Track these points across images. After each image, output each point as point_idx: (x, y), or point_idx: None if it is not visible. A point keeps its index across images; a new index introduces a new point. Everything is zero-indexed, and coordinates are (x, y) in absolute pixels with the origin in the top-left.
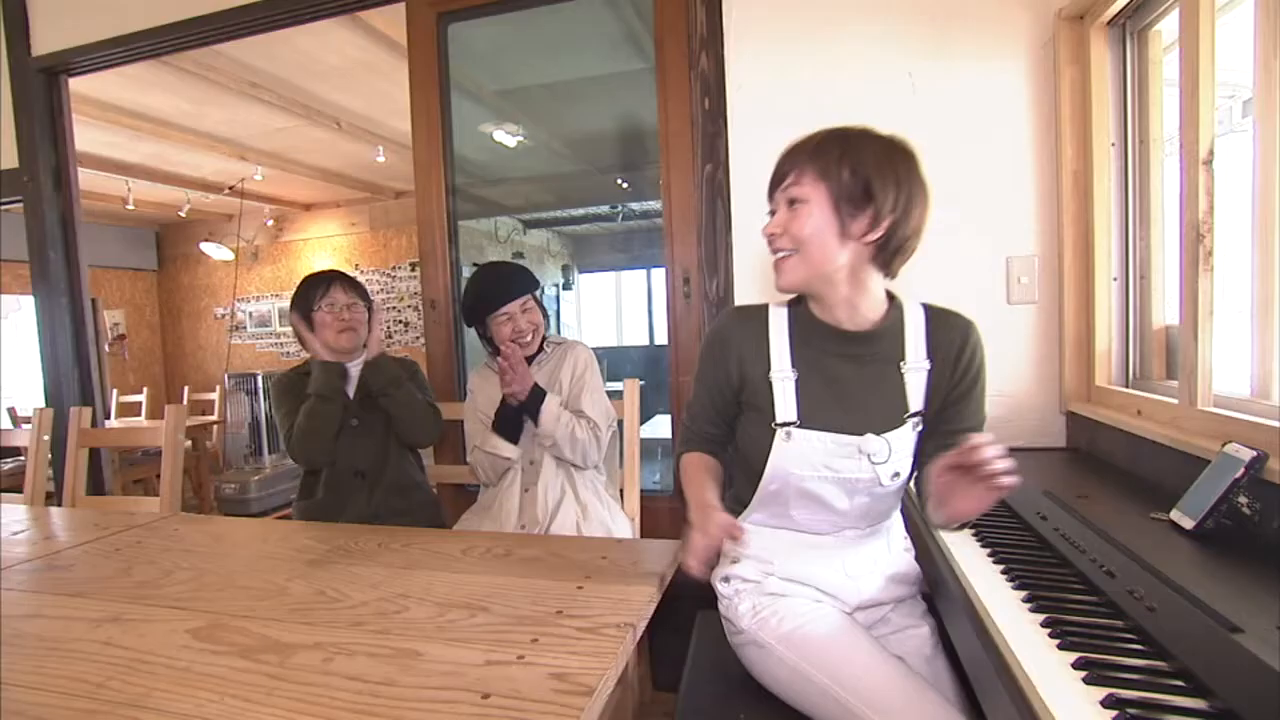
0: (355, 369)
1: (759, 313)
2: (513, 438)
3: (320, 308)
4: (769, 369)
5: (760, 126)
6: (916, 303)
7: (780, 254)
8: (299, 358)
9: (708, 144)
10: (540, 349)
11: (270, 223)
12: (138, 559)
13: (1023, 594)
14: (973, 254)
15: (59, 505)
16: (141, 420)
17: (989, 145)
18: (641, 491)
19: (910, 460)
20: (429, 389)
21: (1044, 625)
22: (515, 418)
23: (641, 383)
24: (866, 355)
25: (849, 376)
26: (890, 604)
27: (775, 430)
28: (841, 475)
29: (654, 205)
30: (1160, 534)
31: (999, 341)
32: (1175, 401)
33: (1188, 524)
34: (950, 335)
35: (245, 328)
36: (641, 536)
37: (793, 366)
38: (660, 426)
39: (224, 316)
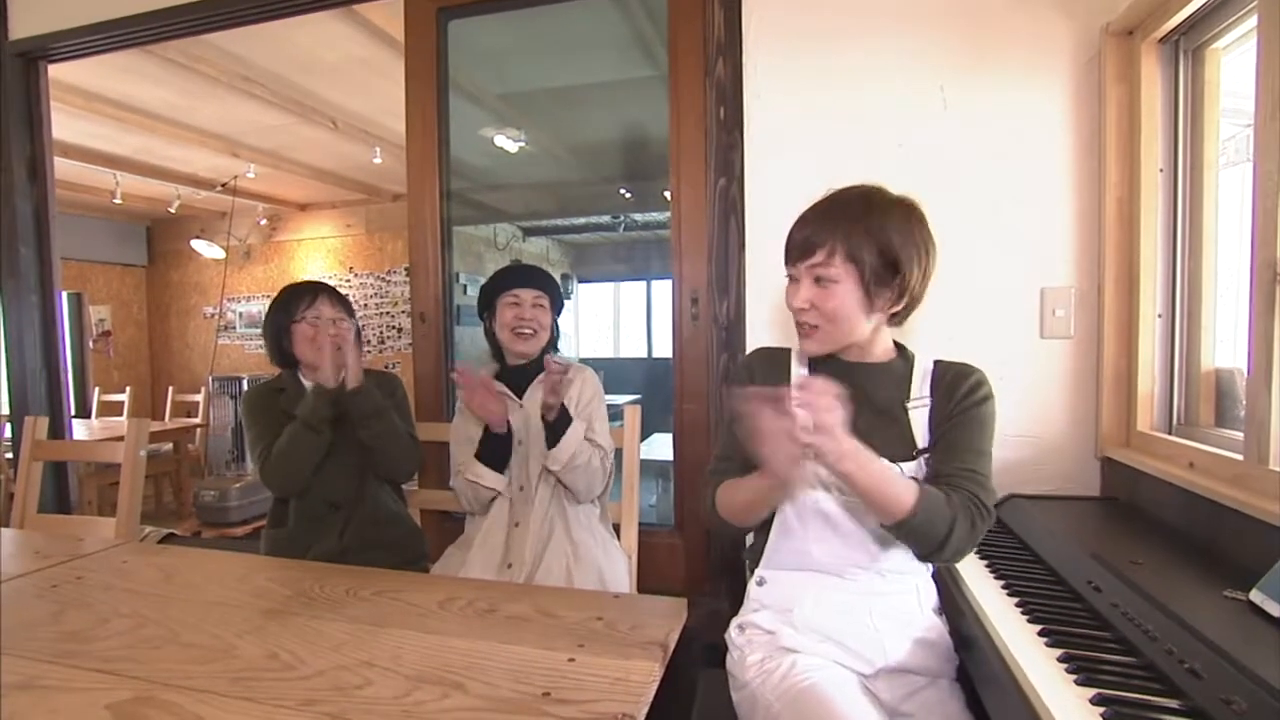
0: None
1: (782, 354)
2: (498, 465)
3: (303, 319)
4: None
5: (779, 140)
6: (925, 357)
7: (807, 325)
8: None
9: (722, 156)
10: (540, 369)
11: (263, 222)
12: (73, 600)
13: (1090, 693)
14: (1003, 284)
15: (11, 524)
16: (121, 421)
17: (1025, 166)
18: (639, 524)
19: None
20: (409, 413)
21: None
22: (502, 445)
23: (639, 397)
24: (872, 389)
25: (861, 409)
26: (922, 676)
27: None
28: (849, 497)
29: (657, 216)
30: (1242, 620)
31: (1029, 378)
32: (1239, 457)
33: (1275, 610)
34: (954, 376)
35: (234, 328)
36: (639, 574)
37: None
38: (659, 446)
39: (213, 316)
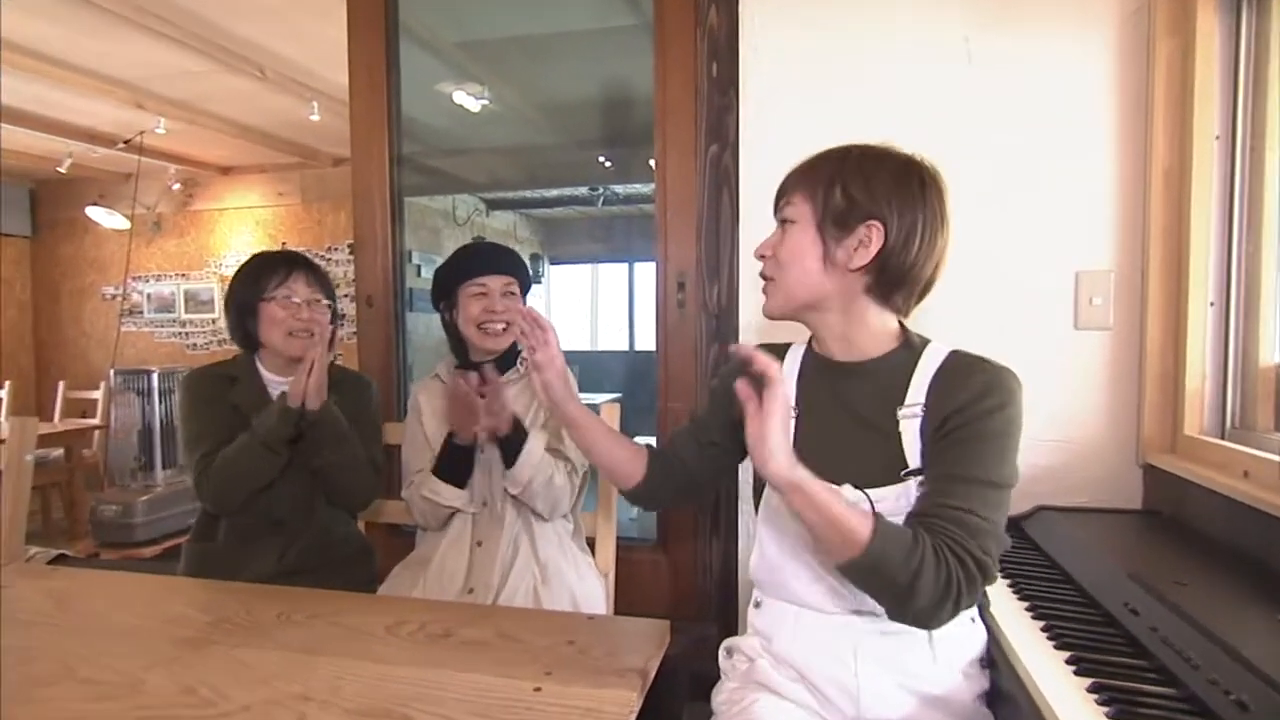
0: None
1: (777, 350)
2: (459, 481)
3: (274, 298)
4: None
5: (780, 100)
6: (945, 346)
7: (765, 278)
8: (208, 351)
9: (714, 119)
10: (514, 363)
11: (177, 187)
12: None
13: None
14: (1032, 266)
15: None
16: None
17: (1059, 132)
18: (618, 539)
19: None
20: (378, 430)
21: None
22: (465, 457)
23: (619, 396)
24: (858, 393)
25: (839, 417)
26: None
27: None
28: None
29: (641, 188)
30: None
31: (1061, 375)
32: None
33: None
34: (957, 372)
35: (142, 312)
36: (617, 597)
37: (795, 405)
38: None
39: (115, 298)
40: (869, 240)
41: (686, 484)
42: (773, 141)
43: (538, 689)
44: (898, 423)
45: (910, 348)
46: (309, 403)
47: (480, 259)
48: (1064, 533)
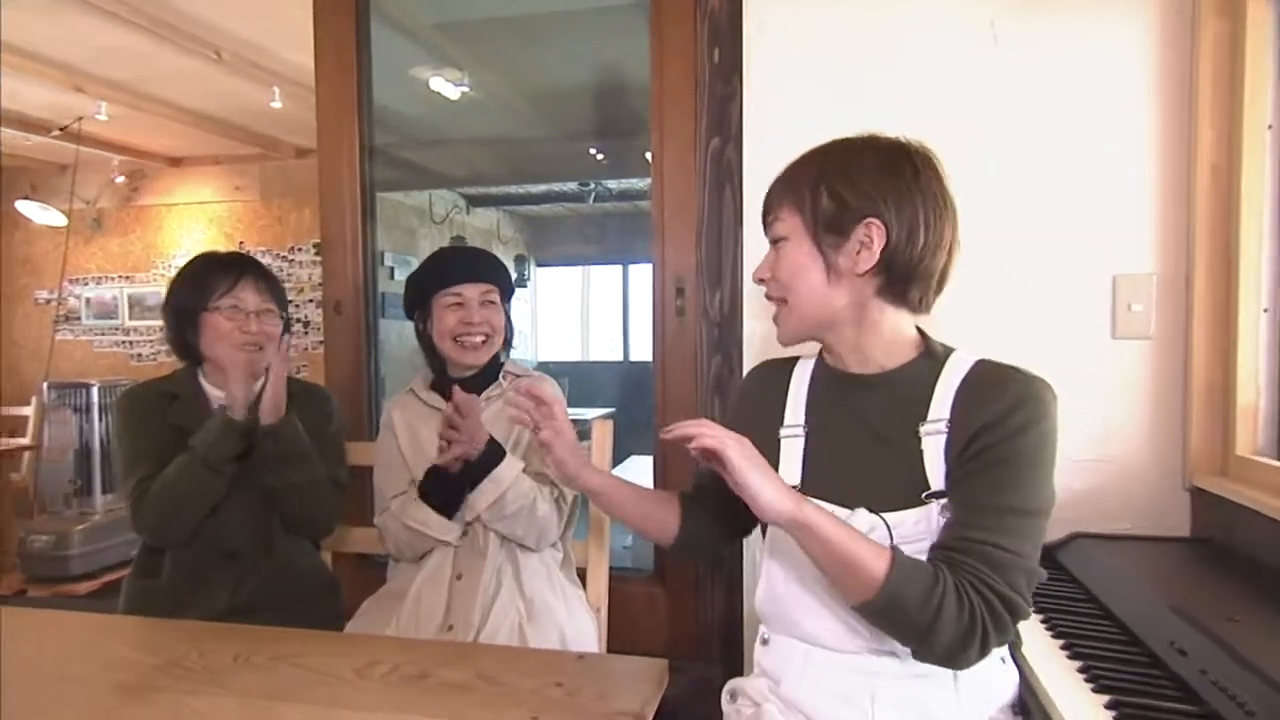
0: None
1: (786, 366)
2: (448, 510)
3: (218, 307)
4: (781, 424)
5: (788, 88)
6: (971, 355)
7: (774, 301)
8: (156, 363)
9: (716, 109)
10: (496, 378)
11: (120, 179)
12: None
13: None
14: (1064, 269)
15: None
16: None
17: (1094, 122)
18: (611, 570)
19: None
20: (341, 448)
21: None
22: (456, 483)
23: (613, 411)
24: (875, 407)
25: (855, 433)
26: None
27: None
28: None
29: (637, 184)
30: None
31: (1097, 388)
32: None
33: None
34: (985, 385)
35: (80, 319)
36: (610, 634)
37: (805, 422)
38: (636, 472)
39: (49, 302)
40: (870, 241)
41: (728, 522)
42: (780, 134)
43: None
44: (919, 440)
45: (932, 357)
46: (264, 416)
47: (455, 266)
48: (1103, 563)
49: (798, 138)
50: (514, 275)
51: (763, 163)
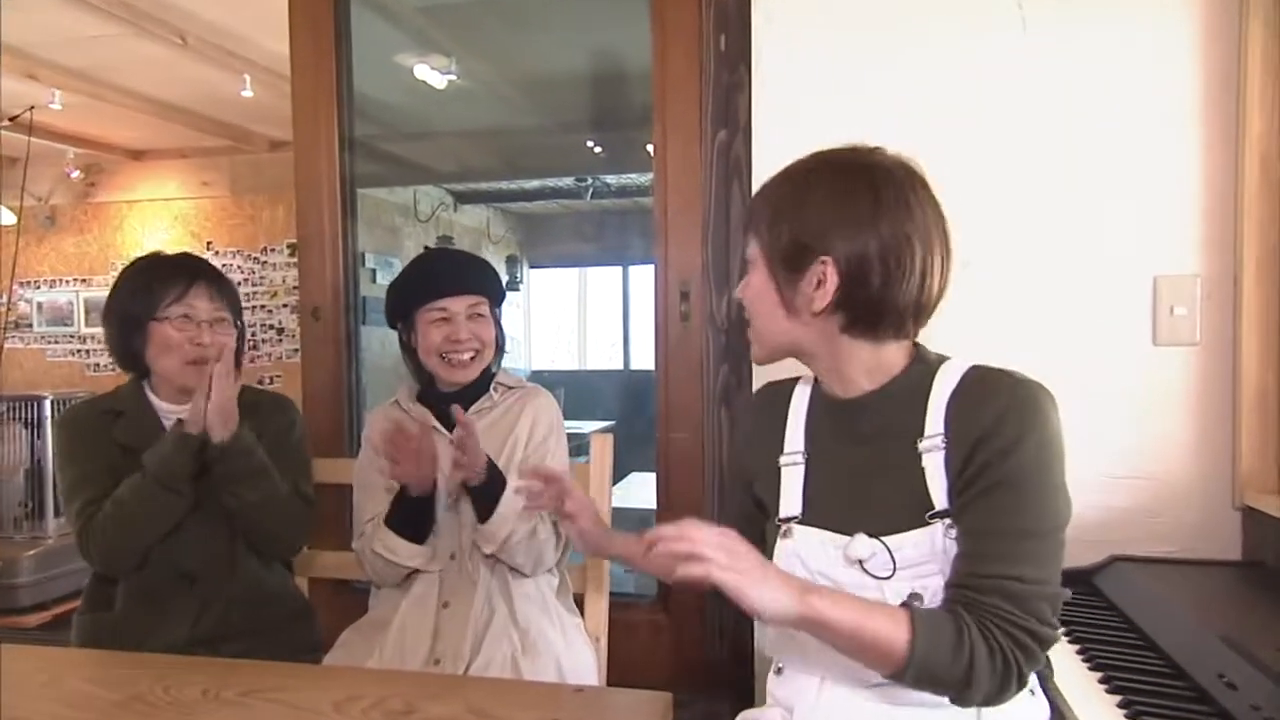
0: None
1: (785, 389)
2: (418, 536)
3: (167, 316)
4: (781, 452)
5: (798, 78)
6: (963, 363)
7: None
8: (115, 373)
9: (722, 100)
10: (487, 390)
11: (76, 174)
12: None
13: None
14: (1101, 270)
15: None
16: None
17: (1132, 111)
18: (611, 595)
19: (937, 577)
20: (306, 461)
21: None
22: (425, 508)
23: (612, 424)
24: (869, 428)
25: (854, 457)
26: None
27: (779, 528)
28: (858, 570)
29: (637, 179)
30: None
31: (1138, 399)
32: None
33: None
34: (981, 399)
35: (31, 325)
36: (611, 665)
37: (804, 449)
38: (638, 489)
39: None
40: (824, 278)
41: None
42: (789, 126)
43: None
44: (919, 457)
45: (924, 364)
46: (214, 434)
47: (439, 277)
48: (1144, 588)
49: (810, 131)
50: (505, 278)
51: (773, 157)
